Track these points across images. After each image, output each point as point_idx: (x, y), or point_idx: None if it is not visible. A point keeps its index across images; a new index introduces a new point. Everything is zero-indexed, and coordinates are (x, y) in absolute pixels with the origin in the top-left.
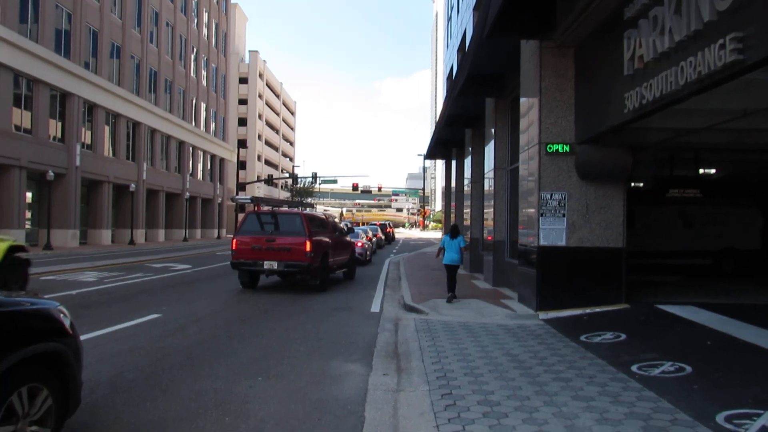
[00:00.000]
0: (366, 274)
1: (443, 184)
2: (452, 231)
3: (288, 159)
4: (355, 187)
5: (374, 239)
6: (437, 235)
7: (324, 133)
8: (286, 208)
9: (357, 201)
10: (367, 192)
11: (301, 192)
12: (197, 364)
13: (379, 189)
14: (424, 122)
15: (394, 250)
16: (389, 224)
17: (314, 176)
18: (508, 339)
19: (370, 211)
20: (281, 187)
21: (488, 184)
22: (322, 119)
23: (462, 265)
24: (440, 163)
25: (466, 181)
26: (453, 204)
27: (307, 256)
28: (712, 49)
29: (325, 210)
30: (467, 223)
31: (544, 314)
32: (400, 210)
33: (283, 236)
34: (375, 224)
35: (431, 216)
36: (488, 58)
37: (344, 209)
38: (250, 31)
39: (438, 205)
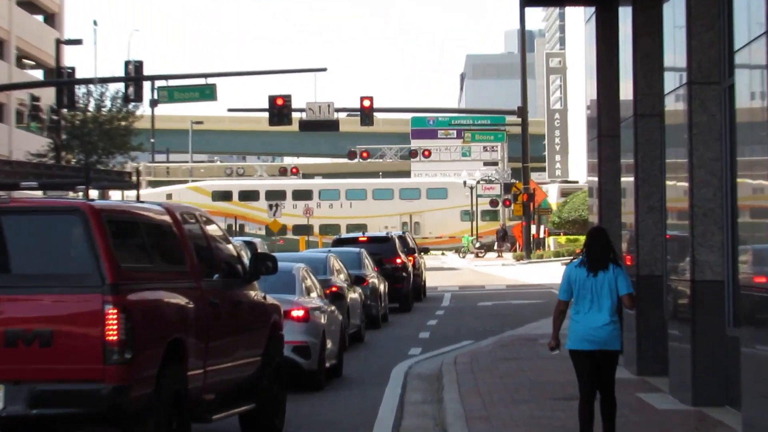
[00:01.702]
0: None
1: (589, 101)
2: (593, 250)
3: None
4: (304, 125)
5: (355, 296)
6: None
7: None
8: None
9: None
10: (351, 135)
11: (111, 134)
12: None
13: (366, 109)
14: None
15: (424, 333)
16: (408, 235)
17: (150, 82)
18: None
19: (364, 197)
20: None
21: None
22: None
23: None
24: (575, 26)
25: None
26: (631, 168)
27: (108, 361)
28: None
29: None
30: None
31: None
32: (441, 196)
33: (18, 293)
34: (361, 238)
35: (552, 208)
36: None
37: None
38: None
39: (576, 167)
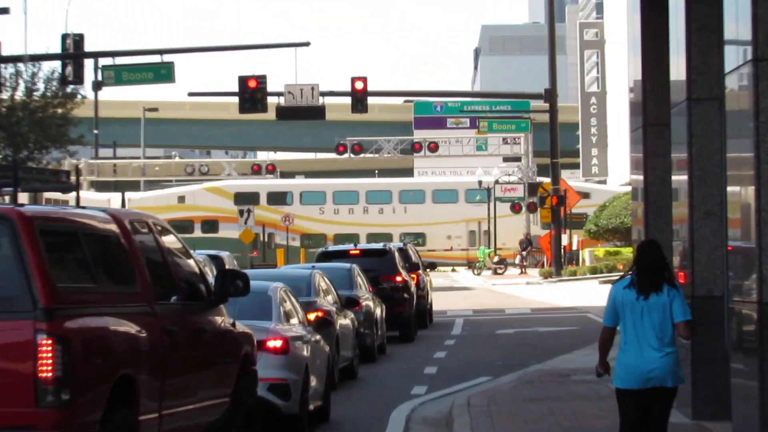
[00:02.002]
0: None
1: (632, 82)
2: (644, 268)
3: None
4: (282, 113)
5: (346, 323)
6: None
7: None
8: None
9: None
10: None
11: (45, 124)
12: None
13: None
14: None
15: (430, 368)
16: (410, 247)
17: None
18: None
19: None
20: None
21: None
22: None
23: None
24: None
25: None
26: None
27: (41, 403)
28: None
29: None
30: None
31: None
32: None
33: None
34: (353, 251)
35: (588, 210)
36: None
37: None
38: None
39: (617, 164)
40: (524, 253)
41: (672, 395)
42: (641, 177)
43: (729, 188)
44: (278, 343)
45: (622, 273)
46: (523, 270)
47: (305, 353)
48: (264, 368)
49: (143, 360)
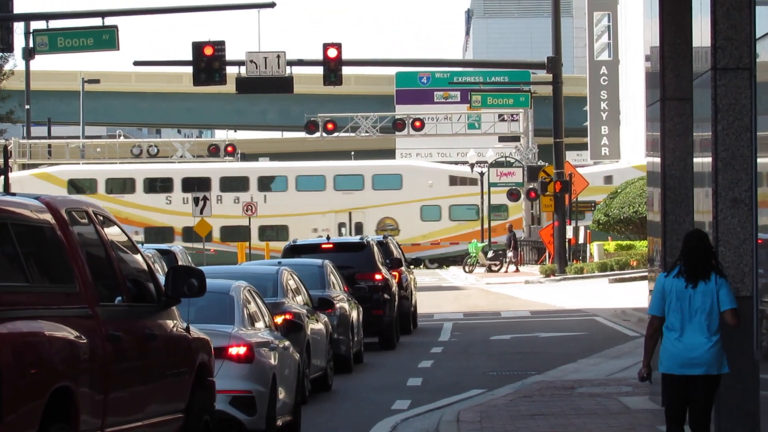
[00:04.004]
0: None
1: (649, 49)
2: (693, 256)
3: None
4: (243, 85)
5: (318, 327)
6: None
7: None
8: None
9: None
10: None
11: None
12: None
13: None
14: None
15: (415, 380)
16: (391, 241)
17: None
18: None
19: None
20: None
21: None
22: None
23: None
24: None
25: None
26: None
27: None
28: None
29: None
30: None
31: None
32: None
33: None
34: (325, 245)
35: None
36: None
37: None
38: None
39: (631, 143)
40: (509, 251)
41: (716, 383)
42: (658, 159)
43: (760, 172)
44: (242, 350)
45: (635, 271)
46: (507, 267)
47: (272, 362)
48: (226, 378)
49: (83, 370)
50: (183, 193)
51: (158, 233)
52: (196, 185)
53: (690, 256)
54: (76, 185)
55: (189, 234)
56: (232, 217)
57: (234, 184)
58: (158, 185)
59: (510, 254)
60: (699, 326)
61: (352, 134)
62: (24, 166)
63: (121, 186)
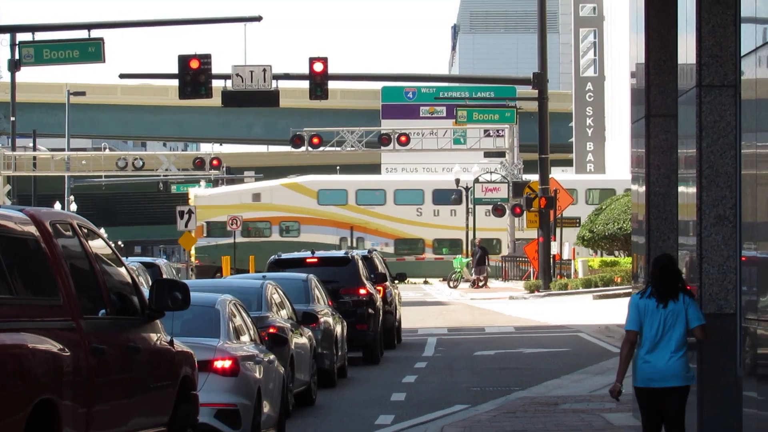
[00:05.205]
0: None
1: (635, 66)
2: (663, 280)
3: None
4: (229, 98)
5: (302, 342)
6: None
7: None
8: None
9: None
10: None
11: None
12: None
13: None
14: None
15: (398, 395)
16: (375, 255)
17: (9, 36)
18: None
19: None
20: None
21: None
22: None
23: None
24: None
25: None
26: None
27: None
28: None
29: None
30: None
31: None
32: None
33: None
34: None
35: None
36: None
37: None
38: None
39: (617, 159)
40: (475, 266)
41: (685, 393)
42: (643, 175)
43: (745, 190)
44: (227, 364)
45: (619, 287)
46: (477, 284)
47: (257, 375)
48: (211, 392)
49: (66, 383)
50: (434, 206)
51: (408, 245)
52: (447, 197)
53: (659, 279)
54: (325, 195)
55: (440, 245)
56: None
57: (368, 196)
58: (408, 197)
59: (473, 270)
60: (669, 342)
61: (338, 149)
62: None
63: (371, 197)
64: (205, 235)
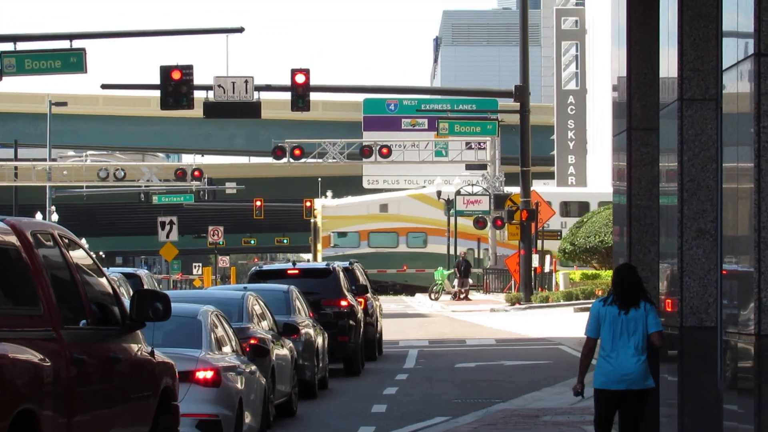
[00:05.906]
0: None
1: (616, 79)
2: (625, 288)
3: None
4: (211, 110)
5: (283, 353)
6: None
7: None
8: None
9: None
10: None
11: None
12: None
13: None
14: None
15: (379, 406)
16: (357, 267)
17: None
18: None
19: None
20: None
21: None
22: None
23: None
24: None
25: None
26: None
27: None
28: None
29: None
30: None
31: None
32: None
33: None
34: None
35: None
36: None
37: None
38: None
39: (598, 172)
40: (458, 279)
41: (645, 396)
42: (624, 189)
43: (726, 203)
44: (209, 374)
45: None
46: (459, 296)
47: (239, 386)
48: (192, 402)
49: (47, 393)
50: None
51: None
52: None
53: (621, 287)
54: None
55: None
56: None
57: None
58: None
59: (455, 282)
60: (629, 347)
61: (320, 160)
62: None
63: None
64: (332, 245)
